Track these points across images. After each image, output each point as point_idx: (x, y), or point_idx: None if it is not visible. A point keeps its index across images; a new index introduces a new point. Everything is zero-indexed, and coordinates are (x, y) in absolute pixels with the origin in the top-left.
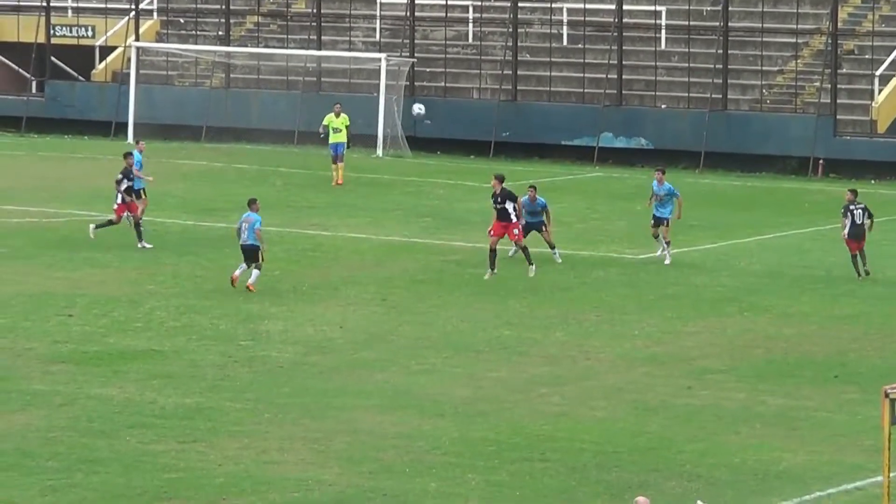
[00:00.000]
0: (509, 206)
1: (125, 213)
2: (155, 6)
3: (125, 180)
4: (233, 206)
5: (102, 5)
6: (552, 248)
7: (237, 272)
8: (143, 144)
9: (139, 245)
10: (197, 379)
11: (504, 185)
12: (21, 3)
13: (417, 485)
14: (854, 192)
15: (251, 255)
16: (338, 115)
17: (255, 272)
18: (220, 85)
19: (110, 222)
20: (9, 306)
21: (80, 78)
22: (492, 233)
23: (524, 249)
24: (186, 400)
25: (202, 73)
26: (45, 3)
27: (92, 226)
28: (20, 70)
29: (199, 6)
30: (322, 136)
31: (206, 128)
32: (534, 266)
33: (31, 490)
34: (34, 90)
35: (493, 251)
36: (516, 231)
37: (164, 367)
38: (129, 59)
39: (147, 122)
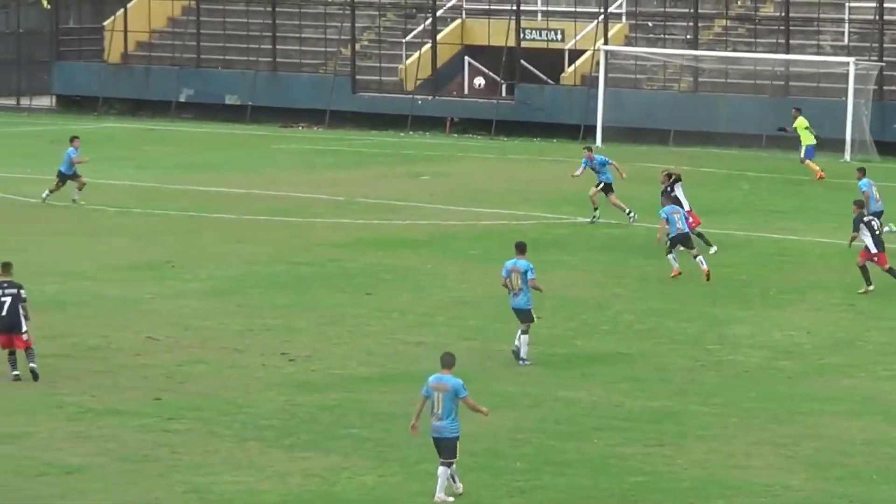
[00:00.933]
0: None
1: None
2: (624, 10)
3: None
4: (699, 209)
5: (572, 9)
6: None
7: (706, 266)
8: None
9: None
10: (664, 382)
11: None
12: (492, 8)
13: (884, 492)
14: None
15: (687, 243)
16: (795, 119)
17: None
18: (687, 89)
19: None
20: (479, 308)
21: (549, 81)
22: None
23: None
24: (653, 403)
25: (670, 76)
26: (515, 8)
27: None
28: (491, 73)
29: (667, 10)
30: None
31: (674, 132)
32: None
33: (499, 491)
34: (504, 93)
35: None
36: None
37: (632, 370)
38: (597, 63)
39: (615, 126)
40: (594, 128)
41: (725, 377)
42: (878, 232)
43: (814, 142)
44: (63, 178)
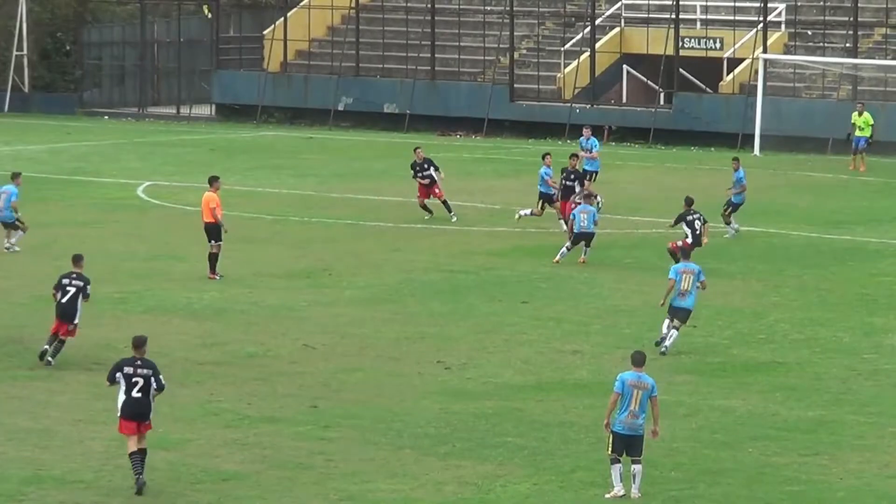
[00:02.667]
0: None
1: None
2: (783, 18)
3: None
4: (857, 218)
5: (731, 18)
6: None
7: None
8: None
9: None
10: (820, 392)
11: None
12: (651, 17)
13: None
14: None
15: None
16: (860, 114)
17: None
18: (846, 97)
19: None
20: (635, 317)
21: (708, 90)
22: None
23: None
24: (809, 413)
25: (829, 85)
26: (674, 16)
27: None
28: (648, 82)
29: (826, 18)
30: (849, 133)
31: (832, 140)
32: None
33: (655, 500)
34: (662, 102)
35: None
36: None
37: (787, 379)
38: (756, 71)
39: (773, 134)
40: (752, 136)
41: (882, 386)
42: None
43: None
44: (544, 197)
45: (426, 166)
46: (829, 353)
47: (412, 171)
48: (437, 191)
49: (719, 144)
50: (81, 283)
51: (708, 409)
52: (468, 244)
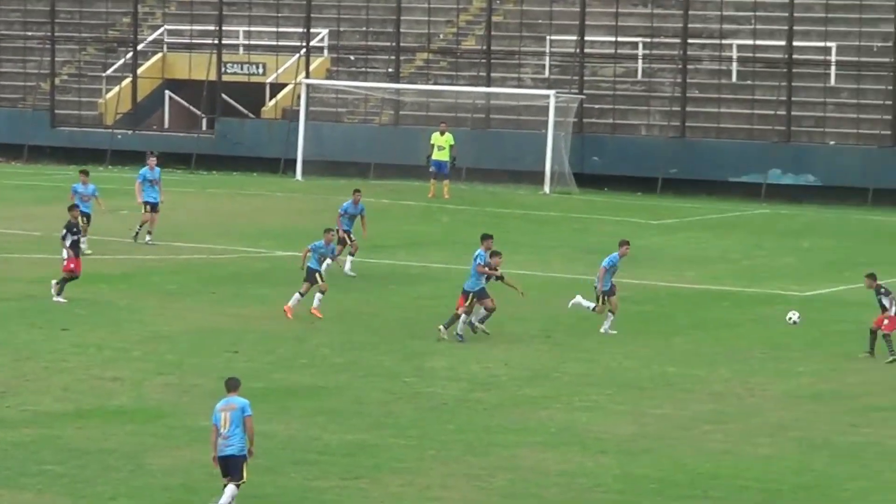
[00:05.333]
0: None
1: None
2: (325, 43)
3: None
4: (398, 242)
5: (273, 43)
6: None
7: None
8: None
9: None
10: (361, 415)
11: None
12: (193, 41)
13: None
14: None
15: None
16: (442, 134)
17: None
18: (389, 122)
19: None
20: (176, 343)
21: (250, 115)
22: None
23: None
24: (350, 436)
25: (371, 109)
26: (216, 41)
27: None
28: (190, 107)
29: (369, 43)
30: (428, 155)
31: (374, 164)
32: None
33: None
34: (204, 127)
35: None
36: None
37: (329, 403)
38: (298, 97)
39: (315, 159)
40: (294, 161)
41: (422, 410)
42: None
43: (442, 159)
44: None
45: None
46: (370, 377)
47: None
48: None
49: (262, 169)
50: None
51: None
52: (7, 271)
